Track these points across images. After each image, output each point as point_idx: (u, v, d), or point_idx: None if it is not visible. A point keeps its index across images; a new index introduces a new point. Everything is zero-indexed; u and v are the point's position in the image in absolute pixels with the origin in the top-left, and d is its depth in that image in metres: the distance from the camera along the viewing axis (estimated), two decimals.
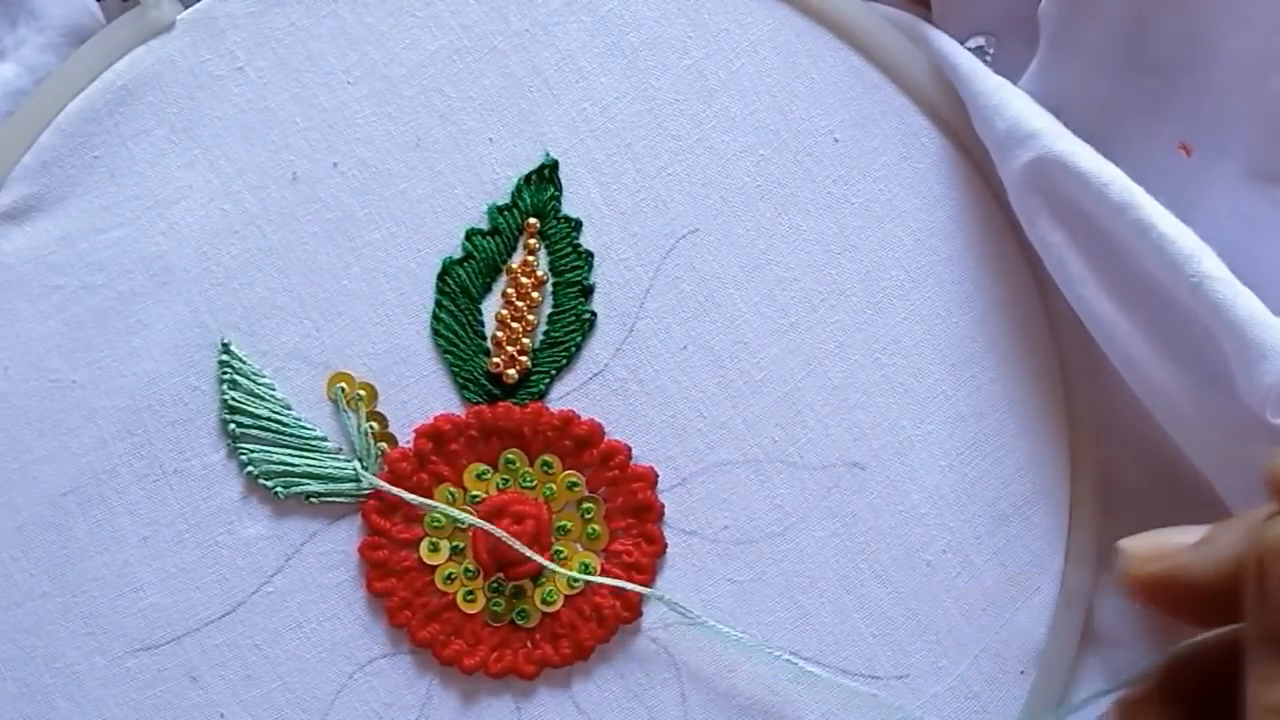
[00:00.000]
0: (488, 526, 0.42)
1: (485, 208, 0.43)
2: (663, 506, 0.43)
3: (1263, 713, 0.30)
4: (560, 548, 0.43)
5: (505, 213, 0.43)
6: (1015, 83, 0.43)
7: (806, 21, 0.44)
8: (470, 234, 0.43)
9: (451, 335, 0.43)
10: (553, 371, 0.43)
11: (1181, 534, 0.32)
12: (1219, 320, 0.38)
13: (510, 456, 0.43)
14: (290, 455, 0.42)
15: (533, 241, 0.43)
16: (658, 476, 0.43)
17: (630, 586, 0.42)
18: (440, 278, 0.43)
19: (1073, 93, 0.43)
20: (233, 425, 0.42)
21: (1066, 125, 0.41)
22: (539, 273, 0.43)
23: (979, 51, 0.45)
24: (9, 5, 0.43)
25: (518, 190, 0.43)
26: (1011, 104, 0.42)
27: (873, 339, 0.44)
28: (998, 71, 0.43)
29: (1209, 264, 0.39)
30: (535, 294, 0.43)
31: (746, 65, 0.44)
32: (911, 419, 0.43)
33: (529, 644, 0.43)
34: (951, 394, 0.44)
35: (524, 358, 0.43)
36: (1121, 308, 0.41)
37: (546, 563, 0.42)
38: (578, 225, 0.43)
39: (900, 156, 0.44)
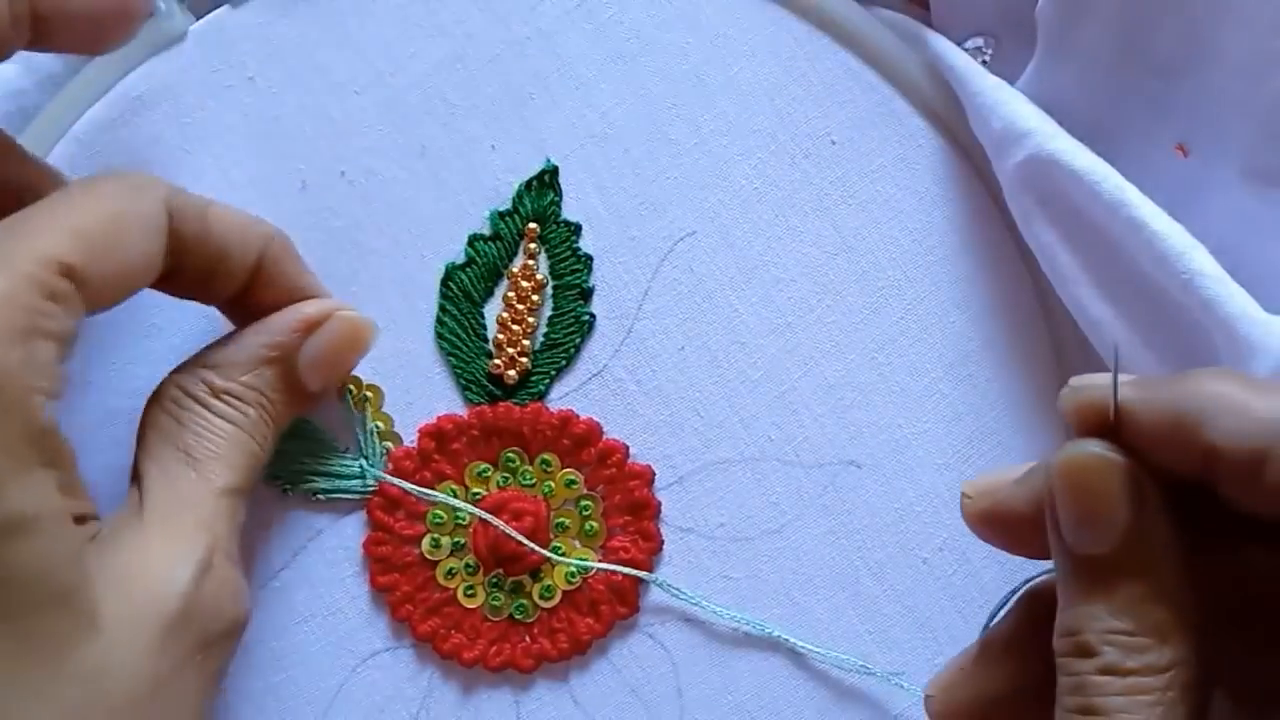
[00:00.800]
0: (488, 517, 0.43)
1: (487, 213, 0.44)
2: (660, 504, 0.44)
3: (1058, 637, 0.31)
4: (558, 544, 0.43)
5: (506, 218, 0.44)
6: (1013, 84, 0.43)
7: (804, 25, 0.45)
8: (472, 239, 0.44)
9: (454, 338, 0.44)
10: (552, 372, 0.44)
11: (1014, 470, 0.34)
12: (1210, 317, 0.38)
13: (510, 455, 0.44)
14: (298, 454, 0.43)
15: (533, 246, 0.44)
16: (655, 474, 0.44)
17: (628, 571, 0.43)
18: (443, 282, 0.44)
19: (1070, 94, 0.43)
20: None
21: (1064, 126, 0.41)
22: (539, 276, 0.44)
23: (976, 53, 0.45)
24: None
25: (519, 196, 0.44)
26: (1007, 104, 0.42)
27: (869, 338, 0.44)
28: (995, 73, 0.43)
29: (1200, 260, 0.39)
30: (535, 297, 0.44)
31: (744, 69, 0.44)
32: (908, 418, 0.44)
33: (527, 638, 0.43)
34: (948, 393, 0.44)
35: (524, 359, 0.44)
36: (1114, 305, 0.41)
37: (546, 552, 0.43)
38: (577, 229, 0.44)
39: (897, 158, 0.44)
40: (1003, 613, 0.37)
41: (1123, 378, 0.32)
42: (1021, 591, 0.36)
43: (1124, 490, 0.31)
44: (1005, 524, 0.34)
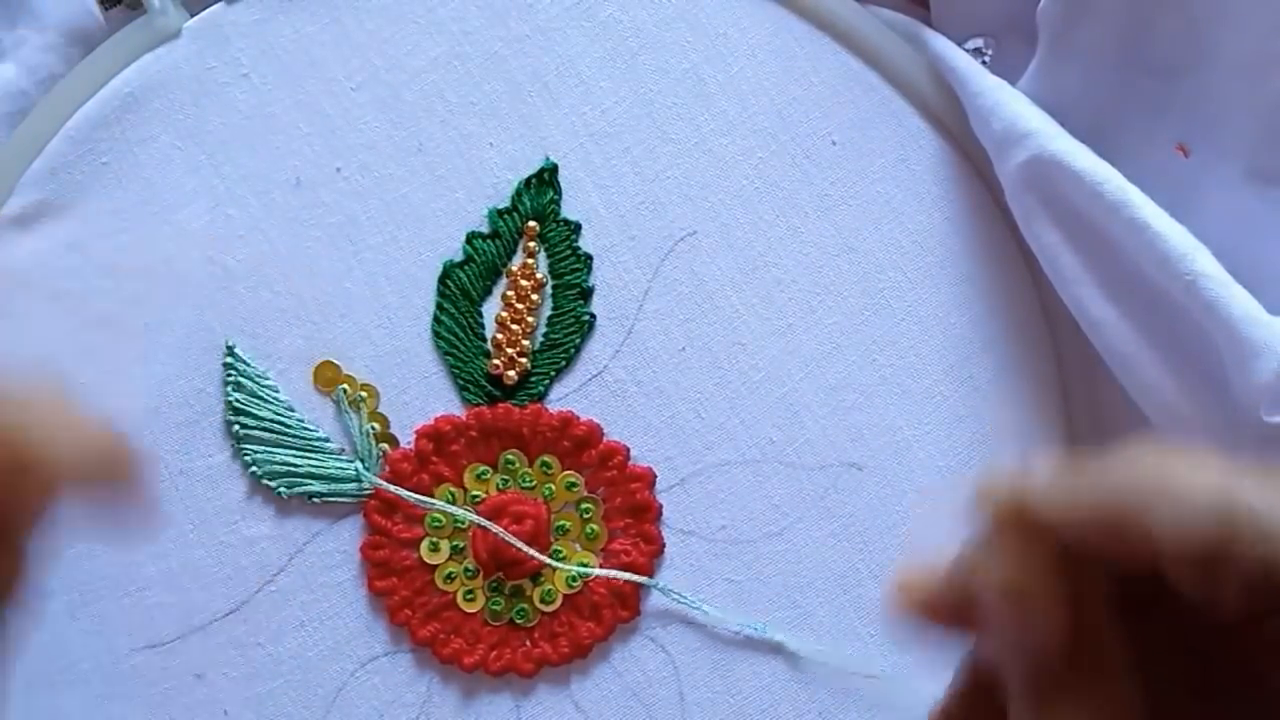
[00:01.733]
0: (486, 524, 0.42)
1: (485, 211, 0.44)
2: (661, 506, 0.43)
3: None
4: (559, 547, 0.43)
5: (505, 216, 0.44)
6: (1014, 84, 0.43)
7: (805, 25, 0.44)
8: (471, 237, 0.44)
9: (452, 337, 0.44)
10: (552, 373, 0.44)
11: (940, 565, 0.31)
12: (1213, 318, 0.38)
13: (510, 457, 0.43)
14: (293, 456, 0.43)
15: (532, 244, 0.44)
16: (656, 477, 0.43)
17: (629, 576, 0.43)
18: (441, 280, 0.44)
19: (1071, 94, 0.43)
20: (237, 427, 0.43)
21: (1065, 126, 0.42)
22: (538, 275, 0.44)
23: (977, 53, 0.45)
24: (9, 5, 0.44)
25: (518, 194, 0.44)
26: (1008, 104, 0.42)
27: (870, 340, 0.44)
28: (996, 73, 0.43)
29: (1203, 262, 0.39)
30: (535, 296, 0.44)
31: (745, 69, 0.44)
32: (909, 419, 0.44)
33: (528, 643, 0.43)
34: (949, 394, 0.44)
35: (524, 359, 0.43)
36: (1116, 306, 0.41)
37: (545, 558, 0.42)
38: (577, 228, 0.44)
39: (898, 158, 0.44)
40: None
41: (1037, 465, 0.29)
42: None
43: (1057, 596, 0.29)
44: (937, 617, 0.33)
